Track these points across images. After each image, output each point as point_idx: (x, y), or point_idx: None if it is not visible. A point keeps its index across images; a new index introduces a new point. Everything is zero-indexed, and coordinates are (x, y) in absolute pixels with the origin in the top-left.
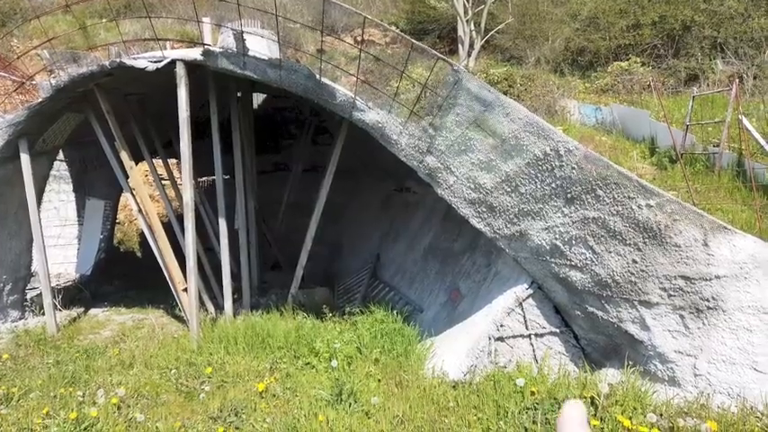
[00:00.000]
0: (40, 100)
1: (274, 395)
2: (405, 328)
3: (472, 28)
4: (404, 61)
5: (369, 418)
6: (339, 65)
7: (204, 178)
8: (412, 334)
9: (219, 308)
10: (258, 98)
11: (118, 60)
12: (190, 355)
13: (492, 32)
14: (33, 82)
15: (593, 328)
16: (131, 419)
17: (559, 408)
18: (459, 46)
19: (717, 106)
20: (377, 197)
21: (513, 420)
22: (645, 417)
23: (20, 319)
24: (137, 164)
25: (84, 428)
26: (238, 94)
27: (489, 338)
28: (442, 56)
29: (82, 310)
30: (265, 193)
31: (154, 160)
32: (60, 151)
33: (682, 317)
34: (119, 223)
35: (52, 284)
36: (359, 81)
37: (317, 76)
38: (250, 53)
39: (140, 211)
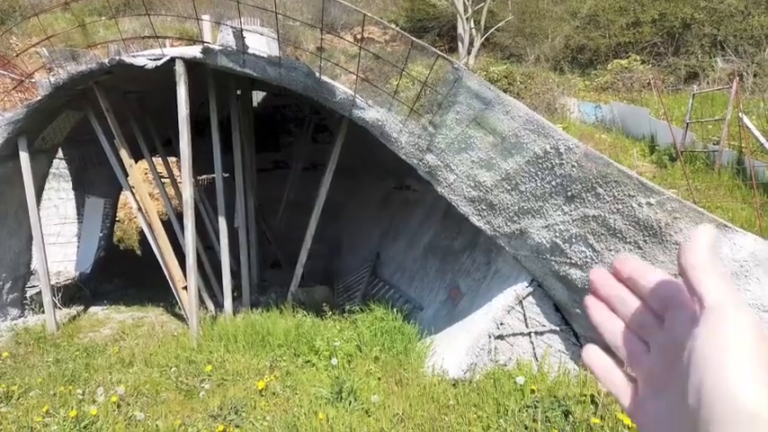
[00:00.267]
0: (39, 98)
1: (274, 393)
2: (405, 326)
3: (472, 26)
4: (404, 59)
5: (369, 416)
6: (339, 63)
7: (204, 176)
8: (412, 332)
9: (219, 306)
10: (258, 96)
11: (117, 58)
12: (190, 354)
13: (492, 30)
14: (32, 80)
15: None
16: (131, 418)
17: (559, 406)
18: (459, 44)
19: (717, 104)
20: (377, 195)
21: (514, 418)
22: None
23: (19, 317)
24: (136, 162)
25: (84, 427)
26: (238, 92)
27: (489, 336)
28: (441, 54)
29: (81, 308)
30: (265, 191)
31: (153, 158)
32: (60, 149)
33: None
34: (118, 221)
35: (52, 283)
36: (359, 79)
37: (317, 74)
38: (249, 51)
39: (140, 209)
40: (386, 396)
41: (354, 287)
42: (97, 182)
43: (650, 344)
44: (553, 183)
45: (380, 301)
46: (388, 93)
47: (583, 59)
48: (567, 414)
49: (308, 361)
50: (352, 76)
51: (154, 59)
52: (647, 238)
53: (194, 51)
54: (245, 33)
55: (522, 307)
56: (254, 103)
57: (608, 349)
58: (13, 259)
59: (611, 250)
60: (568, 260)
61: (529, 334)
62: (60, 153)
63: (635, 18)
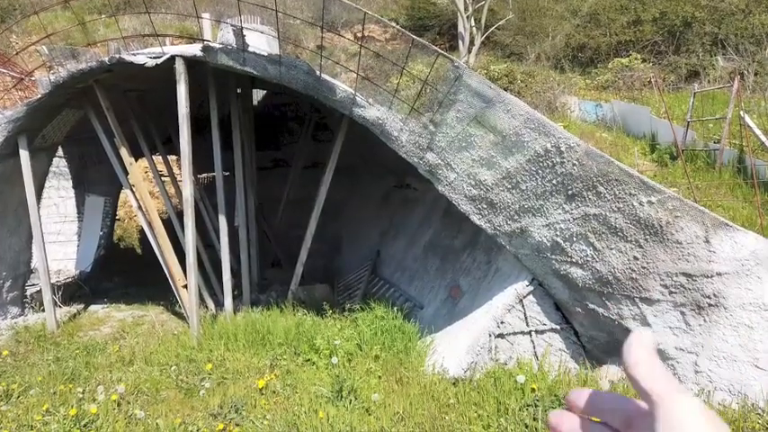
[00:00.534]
0: (39, 96)
1: (274, 392)
2: (405, 324)
3: (472, 24)
4: (404, 57)
5: (369, 414)
6: (339, 61)
7: (204, 175)
8: (412, 331)
9: (219, 304)
10: (258, 95)
11: (117, 56)
12: (190, 352)
13: (492, 29)
14: (32, 78)
15: (594, 325)
16: (131, 416)
17: (560, 405)
18: (460, 42)
19: (717, 103)
20: (377, 194)
21: (514, 417)
22: None
23: (20, 315)
24: (136, 160)
25: (84, 425)
26: (238, 91)
27: (490, 335)
28: (442, 52)
29: (82, 306)
30: (265, 189)
31: (153, 157)
32: (60, 147)
33: (683, 314)
34: (118, 220)
35: (52, 281)
36: (359, 77)
37: (317, 72)
38: (250, 49)
39: (140, 207)
40: (386, 395)
41: (355, 286)
42: (97, 180)
43: None
44: (554, 181)
45: (381, 300)
46: (389, 91)
47: (583, 58)
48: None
49: (309, 359)
50: (353, 74)
51: (154, 57)
52: (647, 236)
53: (194, 49)
54: (245, 31)
55: (523, 306)
56: (255, 102)
57: None
58: (14, 257)
59: (611, 249)
60: (569, 259)
61: (529, 333)
62: (60, 151)
63: (636, 16)
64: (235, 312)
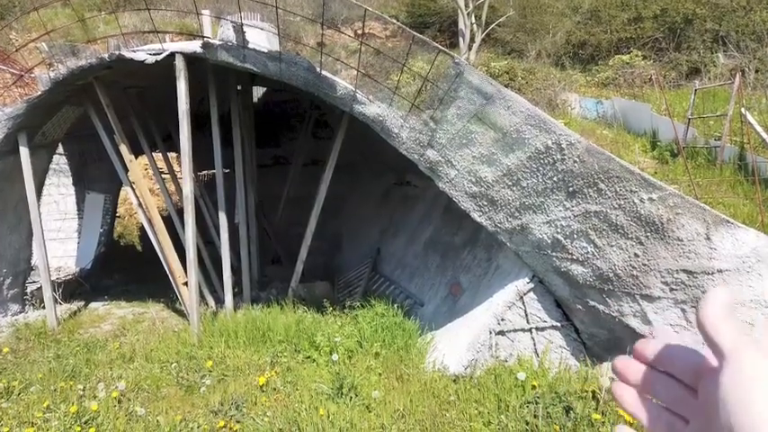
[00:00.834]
0: (39, 93)
1: (275, 389)
2: (405, 321)
3: (473, 21)
4: (404, 54)
5: (369, 411)
6: (339, 58)
7: (204, 172)
8: (412, 328)
9: (220, 302)
10: (258, 92)
11: (117, 53)
12: (190, 349)
13: (493, 25)
14: (32, 75)
15: (595, 322)
16: (132, 413)
17: (560, 402)
18: (460, 39)
19: (718, 100)
20: (377, 191)
21: (515, 414)
22: None
23: (20, 312)
24: (136, 157)
25: (85, 422)
26: (238, 88)
27: (490, 332)
28: (443, 48)
29: (82, 303)
30: (265, 187)
31: (153, 154)
32: (60, 145)
33: (683, 311)
34: (119, 217)
35: (52, 278)
36: (359, 74)
37: (318, 69)
38: (250, 46)
39: (140, 204)
40: (386, 392)
41: (355, 283)
42: (97, 177)
43: (689, 417)
44: (554, 178)
45: (381, 297)
46: (389, 88)
47: (584, 55)
48: (568, 410)
49: (309, 357)
50: (353, 71)
51: (154, 54)
52: (648, 233)
53: (194, 46)
54: (245, 28)
55: (523, 303)
56: (255, 99)
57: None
58: (14, 255)
59: (612, 246)
60: (570, 256)
61: (530, 330)
62: (60, 149)
63: (636, 13)
64: (235, 309)
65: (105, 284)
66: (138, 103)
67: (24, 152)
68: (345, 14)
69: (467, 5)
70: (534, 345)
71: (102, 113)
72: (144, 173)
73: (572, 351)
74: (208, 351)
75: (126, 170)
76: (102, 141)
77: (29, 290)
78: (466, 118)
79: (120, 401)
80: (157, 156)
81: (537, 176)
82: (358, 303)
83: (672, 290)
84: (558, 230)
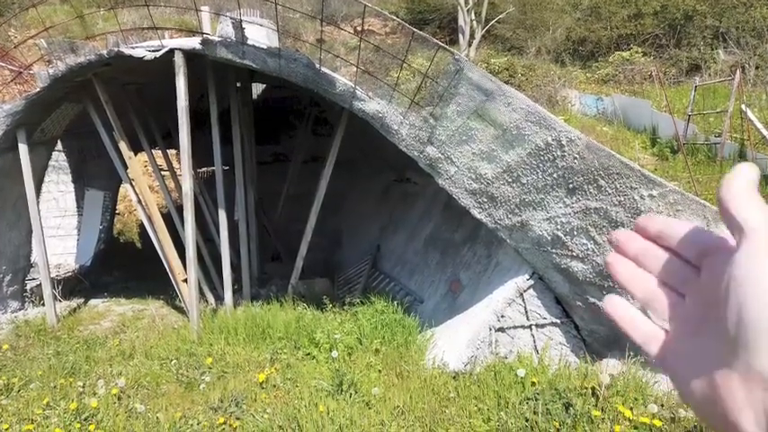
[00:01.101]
0: (37, 90)
1: (275, 386)
2: (405, 318)
3: (473, 17)
4: (404, 51)
5: (369, 408)
6: (339, 55)
7: (204, 169)
8: (412, 325)
9: (220, 299)
10: (258, 88)
11: (116, 50)
12: (190, 346)
13: (493, 22)
14: (31, 71)
15: (595, 319)
16: (132, 410)
17: (560, 399)
18: (460, 36)
19: (719, 96)
20: (377, 188)
21: (514, 411)
22: (646, 407)
23: (20, 309)
24: (136, 154)
25: (85, 419)
26: (237, 84)
27: (490, 329)
28: (443, 45)
29: (82, 300)
30: (265, 184)
31: (153, 151)
32: (59, 141)
33: None
34: (118, 214)
35: (52, 275)
36: (359, 71)
37: (317, 66)
38: (249, 42)
39: (139, 201)
40: (386, 388)
41: (355, 280)
42: (97, 174)
43: (686, 293)
44: (555, 175)
45: (381, 294)
46: (389, 85)
47: (584, 51)
48: (567, 406)
49: (309, 353)
50: (353, 68)
51: (153, 51)
52: None
53: (193, 43)
54: (244, 24)
55: (523, 299)
56: (254, 96)
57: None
58: (13, 252)
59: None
60: (570, 253)
61: (529, 326)
62: (60, 145)
63: (636, 10)
64: (235, 306)
65: (105, 281)
66: (138, 100)
67: (23, 149)
68: (345, 11)
69: (466, 2)
70: (534, 341)
71: (101, 110)
72: (143, 170)
73: (572, 348)
74: (207, 348)
75: (125, 167)
76: (101, 138)
77: (28, 287)
78: (466, 115)
79: (119, 398)
80: (157, 153)
81: (537, 173)
82: (358, 300)
83: None
84: (558, 227)
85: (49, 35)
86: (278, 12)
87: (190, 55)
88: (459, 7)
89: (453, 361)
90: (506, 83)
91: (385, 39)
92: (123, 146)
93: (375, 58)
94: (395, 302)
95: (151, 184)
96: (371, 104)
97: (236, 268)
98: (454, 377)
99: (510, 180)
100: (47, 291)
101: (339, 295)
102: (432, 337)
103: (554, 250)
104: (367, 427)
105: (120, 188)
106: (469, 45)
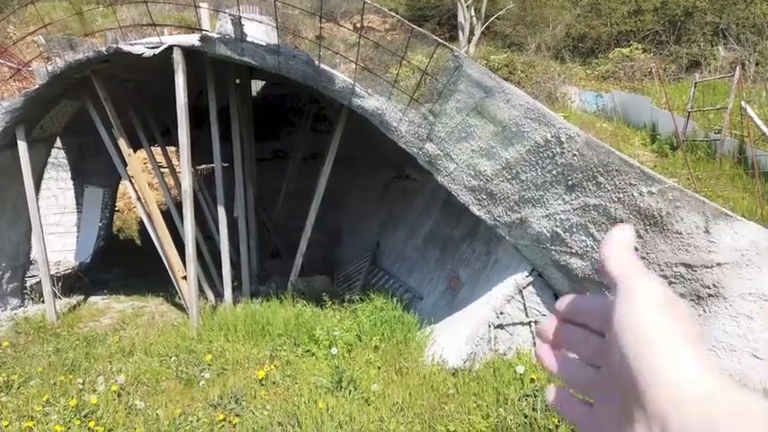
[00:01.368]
0: (36, 87)
1: (274, 382)
2: (404, 315)
3: (472, 14)
4: (404, 48)
5: (369, 405)
6: (338, 51)
7: (203, 166)
8: (412, 321)
9: (219, 296)
10: (257, 85)
11: (115, 46)
12: (190, 343)
13: (492, 18)
14: (30, 68)
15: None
16: (131, 406)
17: None
18: (460, 32)
19: (718, 93)
20: (376, 185)
21: (513, 407)
22: None
23: (19, 306)
24: (135, 151)
25: (85, 415)
26: (237, 81)
27: (489, 326)
28: (442, 42)
29: (81, 297)
30: (264, 180)
31: (152, 148)
32: (58, 138)
33: None
34: (118, 211)
35: (51, 272)
36: (358, 68)
37: (316, 63)
38: (248, 39)
39: (139, 198)
40: (386, 385)
41: (354, 277)
42: (96, 171)
43: (601, 363)
44: (554, 172)
45: (380, 291)
46: (388, 81)
47: (584, 48)
48: None
49: (308, 350)
50: (352, 64)
51: (152, 48)
52: (648, 227)
53: (192, 39)
54: (243, 21)
55: (522, 296)
56: (253, 92)
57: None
58: (13, 249)
59: None
60: (569, 249)
61: (529, 323)
62: (59, 142)
63: (636, 6)
64: (234, 303)
65: (104, 278)
66: (137, 97)
67: (22, 146)
68: (344, 7)
69: None
70: (533, 338)
71: (100, 107)
72: (143, 167)
73: None
74: (207, 345)
75: (124, 164)
76: (100, 135)
77: (28, 284)
78: (465, 111)
79: (119, 395)
80: (156, 150)
81: (536, 170)
82: (357, 297)
83: (671, 283)
84: (558, 224)
85: (48, 32)
86: (277, 8)
87: (189, 52)
88: (458, 3)
89: (452, 358)
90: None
91: (384, 35)
92: (122, 143)
93: (374, 54)
94: (394, 299)
95: (150, 181)
96: (371, 101)
97: (235, 265)
98: (453, 374)
99: (509, 177)
100: (46, 288)
101: (338, 292)
102: (431, 334)
103: (553, 247)
104: (366, 424)
105: (120, 185)
106: (469, 42)
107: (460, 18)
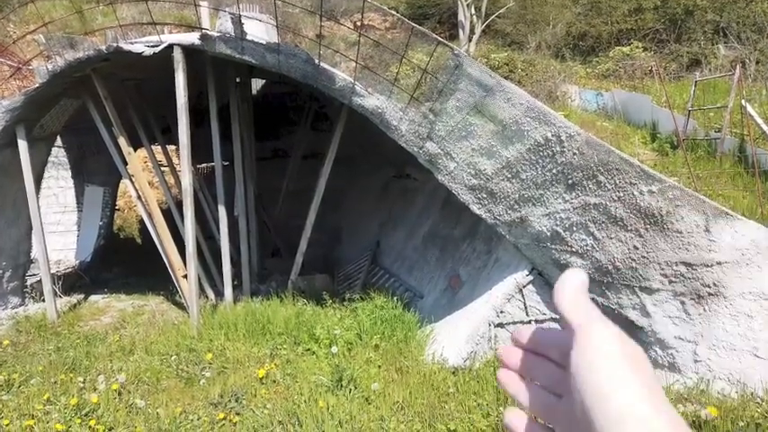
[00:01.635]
0: (36, 85)
1: (275, 381)
2: (405, 314)
3: (473, 12)
4: (404, 46)
5: (369, 403)
6: (338, 50)
7: (203, 165)
8: (412, 320)
9: (220, 294)
10: (257, 84)
11: (115, 45)
12: (190, 342)
13: (493, 17)
14: (30, 67)
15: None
16: (132, 405)
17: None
18: (460, 31)
19: (719, 91)
20: (377, 184)
21: (513, 406)
22: None
23: (20, 305)
24: (135, 150)
25: (85, 414)
26: (237, 80)
27: (489, 325)
28: (442, 40)
29: (82, 296)
30: (265, 179)
31: (152, 147)
32: (58, 137)
33: (683, 303)
34: (118, 210)
35: (52, 271)
36: (358, 66)
37: (316, 61)
38: (248, 38)
39: (139, 197)
40: (386, 384)
41: (354, 276)
42: (96, 170)
43: (562, 393)
44: (554, 171)
45: (380, 290)
46: (389, 80)
47: (584, 47)
48: None
49: (309, 349)
50: (352, 63)
51: (152, 46)
52: (648, 225)
53: (193, 38)
54: (243, 20)
55: (523, 295)
56: (253, 91)
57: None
58: (13, 248)
59: (611, 238)
60: (569, 248)
61: (529, 322)
62: (59, 141)
63: (637, 4)
64: (235, 302)
65: (105, 277)
66: (137, 96)
67: (23, 145)
68: (344, 6)
69: None
70: None
71: (100, 106)
72: (143, 166)
73: None
74: (207, 343)
75: (125, 163)
76: (100, 134)
77: (29, 283)
78: (465, 110)
79: (120, 394)
80: (156, 148)
81: (536, 169)
82: (357, 296)
83: (671, 282)
84: (558, 223)
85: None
86: (277, 7)
87: (189, 50)
88: (459, 2)
89: (453, 356)
90: (506, 78)
91: (385, 34)
92: (122, 141)
93: (375, 53)
94: (394, 298)
95: (151, 180)
96: (371, 100)
97: (235, 264)
98: (454, 372)
99: (509, 176)
100: (47, 287)
101: (339, 291)
102: (431, 333)
103: (553, 246)
104: (366, 423)
105: (120, 184)
106: (469, 40)
107: (461, 16)
